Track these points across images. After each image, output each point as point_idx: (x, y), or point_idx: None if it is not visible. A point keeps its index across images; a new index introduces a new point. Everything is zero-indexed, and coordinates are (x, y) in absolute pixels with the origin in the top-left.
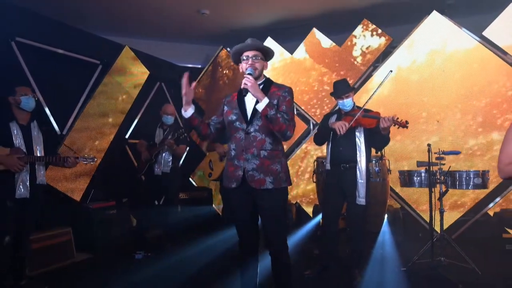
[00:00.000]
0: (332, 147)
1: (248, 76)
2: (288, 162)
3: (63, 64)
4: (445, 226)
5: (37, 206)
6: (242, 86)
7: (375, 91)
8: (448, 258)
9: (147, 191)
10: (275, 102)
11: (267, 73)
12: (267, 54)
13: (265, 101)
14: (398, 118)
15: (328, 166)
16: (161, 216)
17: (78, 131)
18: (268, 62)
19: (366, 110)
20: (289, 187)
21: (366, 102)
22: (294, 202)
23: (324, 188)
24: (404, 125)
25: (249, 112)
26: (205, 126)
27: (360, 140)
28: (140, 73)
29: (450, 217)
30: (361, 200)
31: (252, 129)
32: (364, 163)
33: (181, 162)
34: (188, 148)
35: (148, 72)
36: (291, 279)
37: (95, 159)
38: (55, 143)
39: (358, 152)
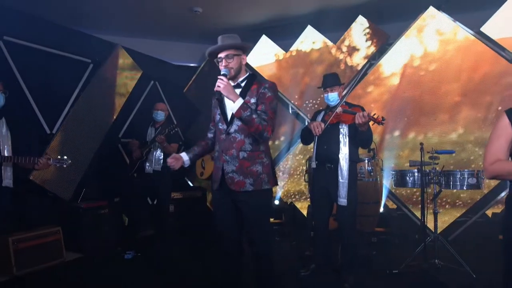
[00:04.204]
0: (317, 145)
1: (222, 77)
2: (284, 161)
3: (53, 63)
4: (441, 228)
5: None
6: (215, 89)
7: (355, 85)
8: (442, 260)
9: (139, 190)
10: (253, 100)
11: (264, 72)
12: (242, 48)
13: (238, 102)
14: (375, 115)
15: (314, 165)
16: (153, 215)
17: (68, 130)
18: (266, 60)
19: (350, 105)
20: (284, 187)
21: (344, 96)
22: (288, 202)
23: (311, 188)
24: (380, 121)
25: (229, 113)
26: (205, 146)
27: (343, 137)
28: (133, 72)
29: (447, 218)
30: (342, 200)
31: (232, 130)
32: (345, 161)
33: None
34: (182, 147)
35: (141, 71)
36: (273, 281)
37: (69, 161)
38: (43, 143)
39: (340, 150)
